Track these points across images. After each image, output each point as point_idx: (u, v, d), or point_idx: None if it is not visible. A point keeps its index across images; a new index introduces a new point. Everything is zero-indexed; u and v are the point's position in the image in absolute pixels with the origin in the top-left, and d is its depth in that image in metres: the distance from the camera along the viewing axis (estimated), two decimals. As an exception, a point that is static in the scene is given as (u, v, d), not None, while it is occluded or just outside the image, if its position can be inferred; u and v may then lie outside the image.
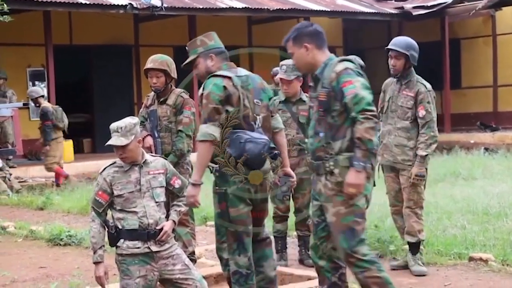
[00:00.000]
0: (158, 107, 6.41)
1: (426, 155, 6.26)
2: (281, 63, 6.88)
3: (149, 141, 6.33)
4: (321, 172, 4.50)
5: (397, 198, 6.48)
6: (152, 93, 6.52)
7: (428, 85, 6.42)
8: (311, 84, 4.63)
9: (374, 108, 4.34)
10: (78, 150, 15.77)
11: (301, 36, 4.60)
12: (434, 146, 6.30)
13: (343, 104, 4.38)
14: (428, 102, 6.33)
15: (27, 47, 15.68)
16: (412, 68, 6.45)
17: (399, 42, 6.48)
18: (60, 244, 7.73)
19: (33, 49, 15.57)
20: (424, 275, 6.20)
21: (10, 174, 12.30)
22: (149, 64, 6.38)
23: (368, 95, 4.34)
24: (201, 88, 4.95)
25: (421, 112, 6.30)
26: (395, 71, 6.45)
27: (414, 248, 6.35)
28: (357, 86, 4.35)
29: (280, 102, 6.76)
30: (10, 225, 8.68)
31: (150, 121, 6.41)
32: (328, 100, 4.44)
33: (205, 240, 7.62)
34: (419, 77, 6.46)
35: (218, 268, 5.29)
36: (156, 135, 6.35)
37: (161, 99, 6.43)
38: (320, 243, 4.67)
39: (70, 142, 14.84)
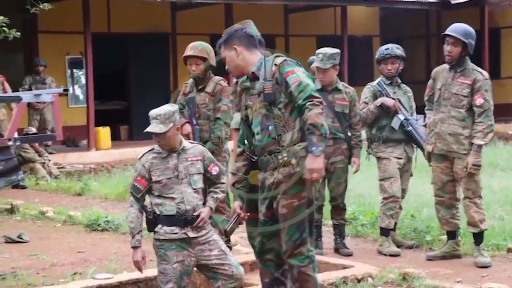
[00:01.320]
0: (197, 94, 6.44)
1: (483, 144, 6.16)
2: (317, 51, 6.86)
3: (188, 128, 6.37)
4: (273, 166, 4.46)
5: (443, 190, 6.37)
6: (191, 80, 6.55)
7: (485, 73, 6.29)
8: (247, 84, 4.60)
9: (319, 95, 4.37)
10: (115, 137, 15.88)
11: (231, 39, 4.59)
12: (491, 135, 6.18)
13: (288, 95, 4.40)
14: (486, 90, 6.19)
15: (66, 35, 15.81)
16: (467, 56, 6.29)
17: (457, 28, 6.27)
18: (98, 230, 7.81)
19: (72, 37, 15.69)
20: (488, 267, 6.10)
21: (49, 160, 12.46)
22: (188, 51, 6.40)
23: (312, 83, 4.38)
24: None
25: (479, 100, 6.15)
26: (451, 58, 6.26)
27: (477, 238, 6.27)
28: (300, 75, 4.39)
29: (316, 90, 6.74)
30: (49, 210, 8.77)
31: (188, 108, 6.45)
32: (273, 93, 4.44)
33: (241, 228, 7.65)
34: (473, 65, 6.32)
35: (253, 256, 5.30)
36: (195, 122, 6.39)
37: (200, 87, 6.46)
38: (267, 240, 4.65)
39: (107, 129, 14.96)
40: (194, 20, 16.94)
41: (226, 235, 5.03)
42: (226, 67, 4.82)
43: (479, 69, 6.31)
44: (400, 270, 5.71)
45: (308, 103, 4.29)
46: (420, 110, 6.90)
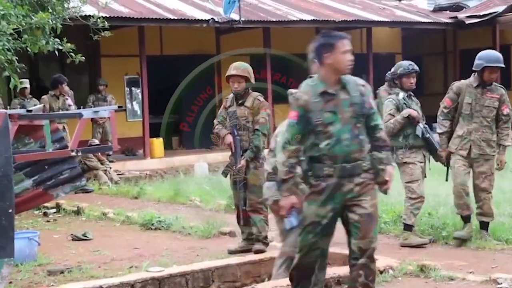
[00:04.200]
0: (237, 108, 6.48)
1: (509, 145, 6.77)
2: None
3: (229, 139, 6.41)
4: (357, 172, 4.30)
5: (463, 181, 6.71)
6: (231, 95, 6.59)
7: (505, 88, 6.86)
8: (331, 91, 4.33)
9: None
10: (167, 146, 16.00)
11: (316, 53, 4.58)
12: None
13: (366, 112, 4.37)
14: (509, 102, 6.76)
15: (124, 57, 15.98)
16: None
17: (499, 58, 6.71)
18: (152, 228, 7.89)
19: (129, 60, 15.86)
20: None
21: (110, 168, 12.60)
22: (232, 71, 6.43)
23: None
24: None
25: (506, 110, 6.74)
26: (491, 82, 6.72)
27: (487, 225, 6.75)
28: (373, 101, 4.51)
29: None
30: (109, 212, 8.88)
31: (230, 121, 6.48)
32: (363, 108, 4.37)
33: (275, 225, 7.65)
34: (494, 82, 6.83)
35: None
36: (236, 133, 6.43)
37: (240, 101, 6.49)
38: (319, 239, 4.35)
39: (160, 140, 15.07)
40: (236, 43, 16.99)
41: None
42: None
43: (500, 85, 6.86)
44: (418, 262, 5.69)
45: (380, 125, 4.45)
46: (433, 119, 6.97)
